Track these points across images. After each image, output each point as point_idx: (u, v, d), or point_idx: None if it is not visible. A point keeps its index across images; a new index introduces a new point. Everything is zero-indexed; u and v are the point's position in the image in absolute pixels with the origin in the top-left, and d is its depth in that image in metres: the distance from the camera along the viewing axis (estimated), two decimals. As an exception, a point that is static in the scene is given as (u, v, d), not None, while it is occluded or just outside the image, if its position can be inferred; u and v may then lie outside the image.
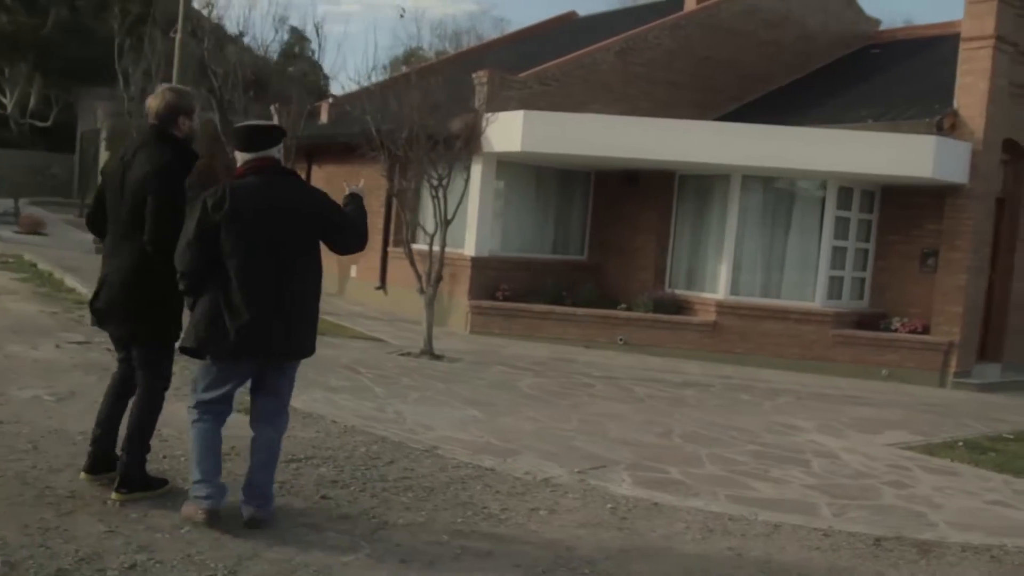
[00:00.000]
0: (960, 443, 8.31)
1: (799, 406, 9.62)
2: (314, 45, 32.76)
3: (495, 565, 4.28)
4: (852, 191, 12.77)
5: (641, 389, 9.73)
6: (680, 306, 12.99)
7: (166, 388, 4.77)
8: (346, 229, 4.64)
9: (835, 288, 12.84)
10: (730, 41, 15.91)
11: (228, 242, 4.28)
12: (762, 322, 12.57)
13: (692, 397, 9.58)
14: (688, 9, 16.33)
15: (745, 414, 8.86)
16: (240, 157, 4.55)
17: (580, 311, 12.85)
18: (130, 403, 4.70)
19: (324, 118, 16.05)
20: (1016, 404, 11.39)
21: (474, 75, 12.85)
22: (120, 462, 4.61)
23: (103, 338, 9.22)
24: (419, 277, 11.03)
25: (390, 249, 14.96)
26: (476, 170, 12.82)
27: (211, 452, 4.44)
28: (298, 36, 34.66)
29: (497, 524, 4.88)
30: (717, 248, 13.02)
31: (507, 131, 12.37)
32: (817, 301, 12.65)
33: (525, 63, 14.73)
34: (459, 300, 13.23)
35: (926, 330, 12.36)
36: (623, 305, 13.13)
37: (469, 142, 12.43)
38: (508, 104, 12.79)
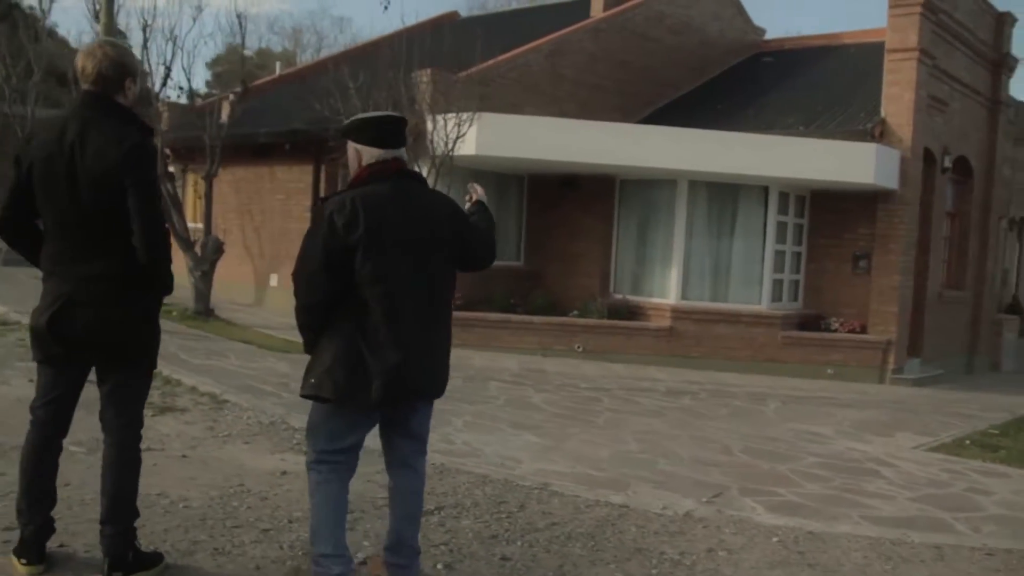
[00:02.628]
0: (967, 441, 8.60)
1: (795, 411, 9.69)
2: (136, 40, 30.09)
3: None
4: (789, 196, 13.09)
5: (645, 400, 9.52)
6: (633, 312, 12.88)
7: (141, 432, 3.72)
8: (479, 244, 3.89)
9: (777, 291, 13.12)
10: (643, 46, 16.01)
11: (367, 266, 3.43)
12: (715, 326, 12.66)
13: (696, 407, 9.44)
14: (596, 14, 16.26)
15: (761, 423, 8.81)
16: (361, 156, 3.61)
17: (537, 319, 12.50)
18: (103, 460, 3.64)
19: (224, 116, 14.84)
20: (956, 398, 12.04)
21: (416, 74, 12.19)
22: (107, 538, 3.57)
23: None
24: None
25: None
26: (422, 173, 12.19)
27: (341, 518, 3.61)
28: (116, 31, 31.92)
29: (686, 572, 4.46)
30: (665, 253, 13.00)
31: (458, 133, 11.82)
32: (763, 304, 12.88)
33: (420, 64, 14.14)
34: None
35: (864, 329, 12.84)
36: (575, 312, 12.87)
37: (415, 144, 11.80)
38: (451, 106, 12.24)
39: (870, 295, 12.87)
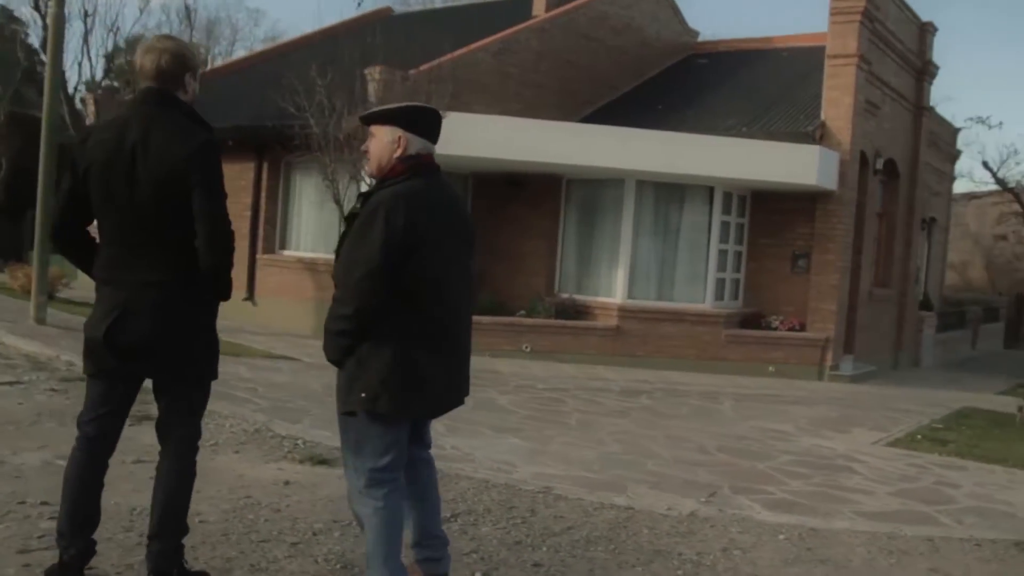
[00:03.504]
0: (918, 436, 8.95)
1: (751, 409, 9.91)
2: (76, 30, 28.77)
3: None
4: (732, 196, 13.37)
5: (606, 400, 9.62)
6: (579, 311, 12.98)
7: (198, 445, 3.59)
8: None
9: (720, 290, 13.40)
10: (586, 46, 16.13)
11: (422, 267, 3.26)
12: (660, 325, 12.85)
13: (656, 406, 9.58)
14: (539, 13, 16.32)
15: (724, 421, 9.00)
16: (405, 145, 3.37)
17: (485, 319, 12.43)
18: (161, 473, 3.49)
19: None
20: (892, 394, 12.52)
21: (367, 70, 12.02)
22: (154, 554, 3.41)
23: (38, 375, 7.75)
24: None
25: (260, 257, 13.66)
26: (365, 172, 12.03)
27: (400, 540, 3.41)
28: (8, 16, 29.98)
29: (710, 571, 4.51)
30: (612, 252, 13.13)
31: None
32: (707, 303, 13.14)
33: (362, 61, 13.98)
34: (356, 313, 12.34)
35: (803, 327, 13.22)
36: (522, 312, 12.89)
37: (363, 142, 11.62)
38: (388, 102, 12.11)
39: (809, 294, 13.26)
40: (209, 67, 16.34)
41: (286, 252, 13.75)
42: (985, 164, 19.62)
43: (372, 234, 3.22)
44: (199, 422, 3.55)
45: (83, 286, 14.97)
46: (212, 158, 3.33)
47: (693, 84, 17.09)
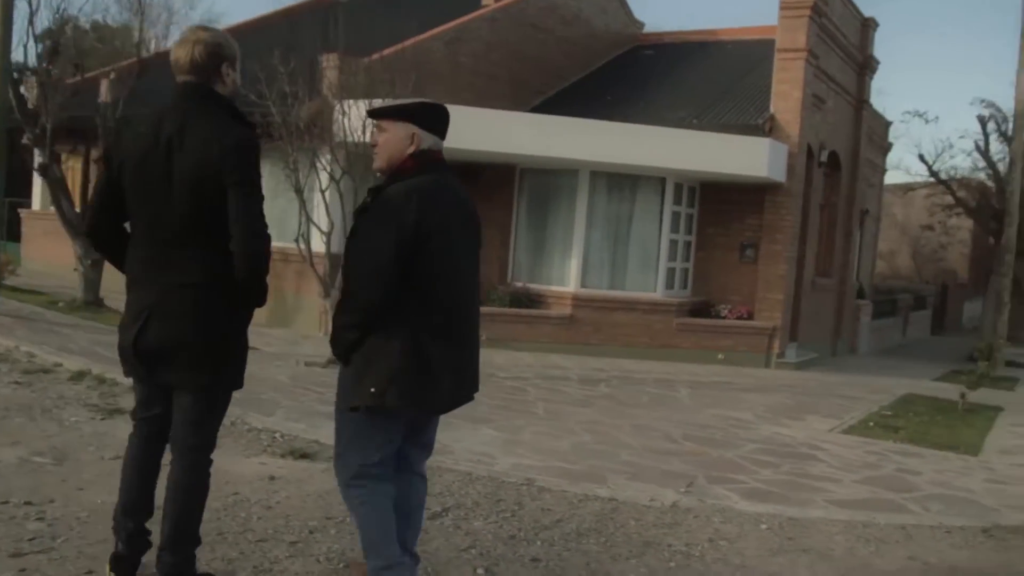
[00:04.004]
0: (871, 423, 9.21)
1: (707, 397, 10.08)
2: (21, 12, 27.53)
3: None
4: (683, 187, 13.54)
5: (567, 389, 9.69)
6: (533, 300, 13.02)
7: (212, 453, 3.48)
8: None
9: (670, 279, 13.57)
10: (535, 36, 16.13)
11: (432, 262, 3.26)
12: (613, 313, 12.97)
13: (616, 395, 9.67)
14: (490, 3, 16.24)
15: (684, 410, 9.13)
16: (418, 141, 3.36)
17: (441, 309, 12.40)
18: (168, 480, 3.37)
19: (103, 96, 13.85)
20: (837, 381, 12.87)
21: (322, 57, 11.82)
22: (165, 565, 3.32)
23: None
24: (320, 281, 9.99)
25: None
26: (324, 161, 11.83)
27: (393, 525, 3.42)
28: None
29: (700, 563, 4.59)
30: (566, 242, 13.19)
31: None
32: (658, 292, 13.30)
33: (309, 47, 13.75)
34: (309, 300, 12.20)
35: (750, 316, 13.49)
36: (477, 301, 12.88)
37: (322, 130, 11.44)
38: (356, 91, 11.94)
39: (757, 283, 13.52)
40: (152, 50, 15.76)
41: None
42: (921, 157, 20.28)
43: (383, 229, 3.21)
44: (214, 433, 3.43)
45: (27, 273, 14.47)
46: (249, 157, 3.17)
47: (640, 75, 17.23)
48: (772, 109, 13.41)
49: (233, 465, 5.33)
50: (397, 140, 3.37)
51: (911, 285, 27.16)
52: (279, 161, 10.29)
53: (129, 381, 6.98)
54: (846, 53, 15.52)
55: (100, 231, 3.39)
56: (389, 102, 3.61)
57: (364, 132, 10.81)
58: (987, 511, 6.05)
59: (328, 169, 10.33)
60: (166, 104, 3.29)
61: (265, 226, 3.23)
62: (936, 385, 13.30)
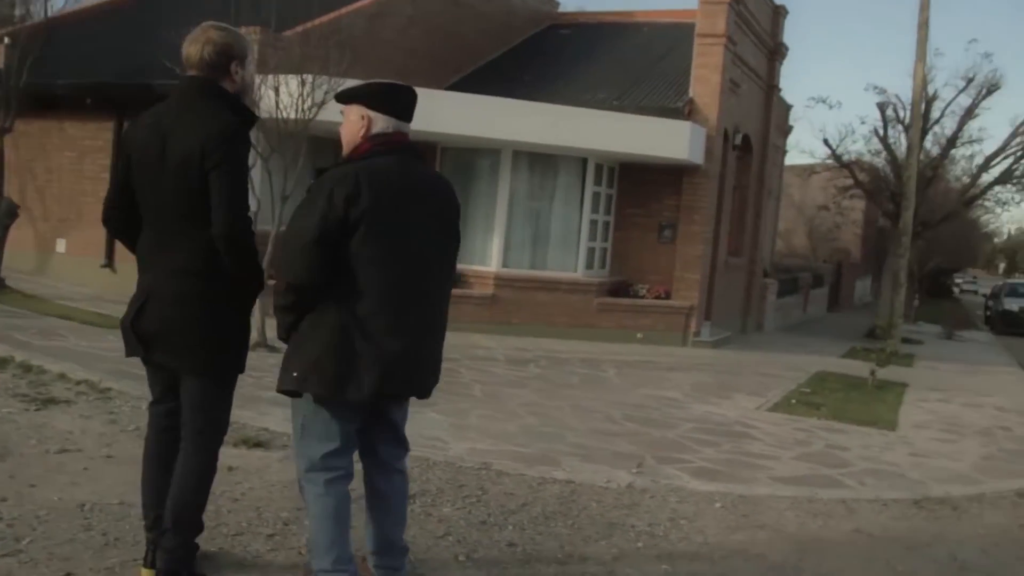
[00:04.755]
0: (793, 400, 9.56)
1: (634, 376, 10.28)
2: None
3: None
4: (603, 167, 13.69)
5: (497, 370, 9.73)
6: (455, 279, 12.96)
7: (222, 441, 3.51)
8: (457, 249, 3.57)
9: (590, 259, 13.73)
10: (454, 12, 15.98)
11: (366, 245, 3.15)
12: (535, 293, 13.06)
13: (548, 375, 9.77)
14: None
15: (616, 390, 9.30)
16: (370, 125, 3.31)
17: (365, 290, 12.25)
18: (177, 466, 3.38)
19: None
20: (753, 359, 13.29)
21: (244, 30, 11.42)
22: (165, 550, 3.30)
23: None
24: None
25: (120, 223, 12.83)
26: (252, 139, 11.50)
27: (346, 529, 3.31)
28: None
29: (666, 542, 4.70)
30: (487, 221, 13.17)
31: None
32: (579, 271, 13.45)
33: (225, 17, 13.33)
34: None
35: (668, 295, 13.78)
36: (401, 281, 12.77)
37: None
38: (276, 67, 11.62)
39: (675, 263, 13.80)
40: (56, 11, 14.93)
41: (148, 216, 12.94)
42: (825, 141, 21.01)
43: (311, 209, 3.14)
44: (220, 417, 3.43)
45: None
46: (231, 142, 3.21)
47: (558, 55, 17.28)
48: (691, 93, 13.67)
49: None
50: (350, 124, 3.36)
51: (808, 263, 28.17)
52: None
53: (56, 369, 6.81)
54: (759, 39, 15.92)
55: (113, 220, 3.46)
56: (344, 83, 3.56)
57: (296, 110, 10.57)
58: (915, 484, 6.38)
59: (257, 147, 10.02)
60: (172, 98, 3.37)
61: (246, 209, 3.25)
62: (843, 362, 13.87)
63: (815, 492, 5.87)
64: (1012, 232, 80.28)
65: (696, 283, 13.70)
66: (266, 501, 4.53)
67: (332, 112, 10.75)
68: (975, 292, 63.86)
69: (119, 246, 13.07)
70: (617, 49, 17.16)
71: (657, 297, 13.73)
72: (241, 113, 3.34)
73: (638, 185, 14.02)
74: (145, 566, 3.42)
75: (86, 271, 13.03)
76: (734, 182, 16.10)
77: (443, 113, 12.12)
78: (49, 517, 4.01)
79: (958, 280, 58.27)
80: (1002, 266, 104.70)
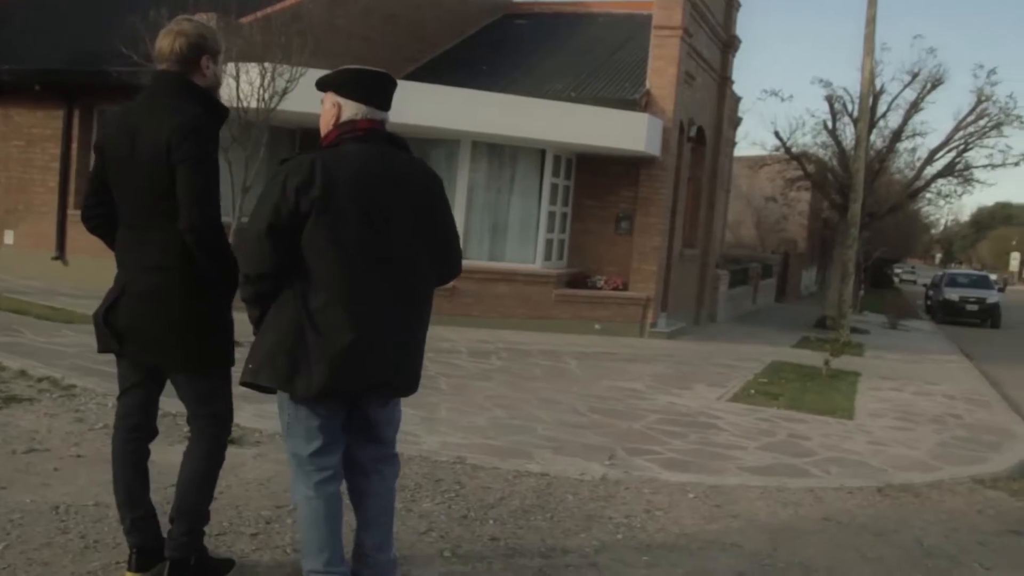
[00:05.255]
0: (752, 391, 9.71)
1: (595, 367, 10.35)
2: None
3: (725, 573, 4.27)
4: (560, 159, 13.73)
5: (462, 363, 9.72)
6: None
7: (230, 430, 3.55)
8: (455, 244, 3.47)
9: (549, 250, 13.77)
10: (411, 0, 15.86)
11: (318, 236, 3.06)
12: (494, 285, 13.05)
13: (511, 367, 9.79)
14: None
15: (579, 381, 9.34)
16: (341, 112, 3.25)
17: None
18: (183, 459, 3.41)
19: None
20: (709, 349, 13.45)
21: (197, 17, 11.20)
22: (173, 539, 3.32)
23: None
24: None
25: (71, 212, 12.52)
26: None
27: (338, 530, 3.25)
28: None
29: (644, 533, 4.76)
30: (447, 213, 13.10)
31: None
32: (537, 263, 13.48)
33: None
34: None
35: (625, 287, 13.88)
36: (360, 273, 12.68)
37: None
38: (237, 55, 11.43)
39: (632, 254, 13.90)
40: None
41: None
42: (777, 134, 21.27)
43: (267, 198, 3.09)
44: (222, 407, 3.43)
45: None
46: (193, 136, 3.17)
47: (514, 45, 17.26)
48: (648, 84, 13.75)
49: (159, 454, 5.00)
50: (324, 112, 3.30)
51: (756, 254, 28.59)
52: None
53: (16, 366, 6.64)
54: (713, 31, 16.07)
55: (92, 218, 3.43)
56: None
57: (256, 99, 10.40)
58: (877, 472, 6.53)
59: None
60: (143, 93, 3.36)
61: (213, 203, 3.22)
62: (796, 352, 14.12)
63: (783, 481, 5.98)
64: (948, 223, 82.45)
65: (653, 274, 13.82)
66: (244, 499, 4.48)
67: (294, 102, 10.74)
68: (914, 282, 65.50)
69: (72, 238, 12.90)
70: (573, 39, 17.19)
71: (615, 288, 13.82)
72: (210, 107, 3.31)
73: (595, 177, 14.08)
74: (129, 569, 3.38)
75: (36, 264, 12.71)
76: (688, 174, 16.26)
77: (402, 103, 11.98)
78: (23, 520, 3.92)
79: (897, 270, 59.62)
80: (938, 256, 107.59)
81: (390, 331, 3.20)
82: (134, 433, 3.40)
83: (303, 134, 13.61)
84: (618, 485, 5.54)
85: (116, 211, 3.36)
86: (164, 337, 3.23)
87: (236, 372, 3.37)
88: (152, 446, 3.52)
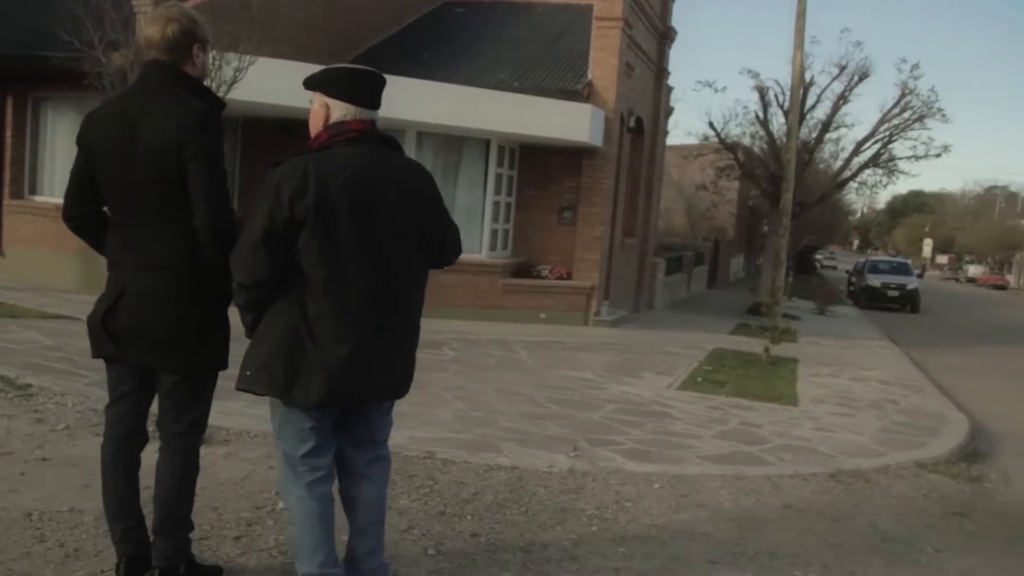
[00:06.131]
0: (698, 379, 9.92)
1: (546, 357, 10.43)
2: None
3: (697, 564, 4.39)
4: (504, 149, 13.77)
5: (417, 354, 9.67)
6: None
7: (202, 439, 3.43)
8: (452, 234, 3.50)
9: (494, 240, 13.81)
10: (351, -16, 15.67)
11: (314, 244, 3.03)
12: (441, 275, 12.85)
13: (464, 358, 9.81)
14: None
15: (532, 371, 9.42)
16: (329, 112, 3.22)
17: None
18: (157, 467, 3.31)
19: None
20: (651, 337, 13.68)
21: (135, 2, 10.94)
22: (159, 551, 3.27)
23: None
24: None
25: (7, 203, 12.09)
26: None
27: (331, 531, 3.25)
28: None
29: (616, 525, 4.85)
30: (391, 203, 13.04)
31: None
32: (483, 253, 13.51)
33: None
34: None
35: (569, 276, 14.01)
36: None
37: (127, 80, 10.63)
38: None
39: (575, 244, 14.03)
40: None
41: (38, 198, 12.31)
42: (711, 124, 21.67)
43: (261, 204, 3.04)
44: (200, 417, 3.35)
45: None
46: (207, 130, 3.11)
47: (453, 33, 17.18)
48: (590, 75, 13.86)
49: (127, 454, 4.99)
50: (313, 113, 3.26)
51: (689, 242, 29.09)
52: (74, 110, 9.43)
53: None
54: (650, 23, 16.25)
55: (75, 217, 3.30)
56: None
57: (228, 88, 10.18)
58: (827, 458, 6.76)
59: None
60: (133, 85, 3.25)
61: (226, 199, 3.17)
62: (734, 339, 14.45)
63: (741, 470, 6.15)
64: (865, 211, 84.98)
65: (596, 264, 13.97)
66: (221, 501, 4.44)
67: (239, 91, 10.52)
68: (834, 267, 67.49)
69: (9, 230, 12.44)
70: (512, 29, 17.19)
71: (559, 278, 13.94)
72: (209, 99, 3.25)
73: (538, 167, 14.15)
74: None
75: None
76: (627, 164, 16.45)
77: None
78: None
79: (818, 256, 61.30)
80: (856, 242, 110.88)
81: (386, 338, 3.22)
82: (126, 442, 3.32)
83: (245, 123, 13.40)
84: (586, 477, 5.63)
85: (99, 210, 3.28)
86: (166, 338, 3.15)
87: (223, 375, 3.37)
88: None
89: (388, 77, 12.51)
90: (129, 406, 3.31)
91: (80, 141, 3.24)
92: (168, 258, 3.13)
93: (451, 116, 12.44)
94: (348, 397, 3.18)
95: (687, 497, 5.45)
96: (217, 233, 3.09)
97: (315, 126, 3.24)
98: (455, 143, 13.34)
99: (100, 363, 3.34)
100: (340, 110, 3.22)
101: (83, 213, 3.29)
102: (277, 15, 13.62)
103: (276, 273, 3.05)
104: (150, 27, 3.18)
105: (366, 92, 3.30)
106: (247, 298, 3.12)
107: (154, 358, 3.20)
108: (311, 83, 3.28)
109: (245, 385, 3.15)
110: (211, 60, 9.38)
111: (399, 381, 3.35)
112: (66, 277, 11.30)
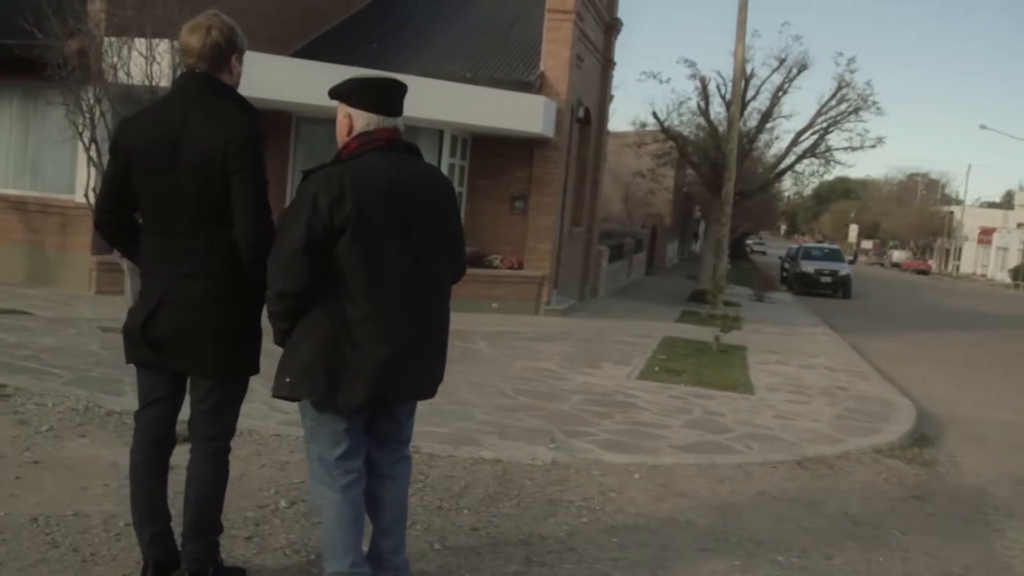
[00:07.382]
0: (656, 368, 10.16)
1: (506, 348, 10.56)
2: None
3: (688, 552, 4.57)
4: (457, 139, 13.81)
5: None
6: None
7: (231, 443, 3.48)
8: (462, 242, 3.60)
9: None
10: (299, -29, 15.48)
11: (352, 251, 3.10)
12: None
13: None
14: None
15: (495, 362, 9.55)
16: (353, 123, 3.28)
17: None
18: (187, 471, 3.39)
19: None
20: (602, 326, 13.92)
21: (89, -12, 10.65)
22: (189, 553, 3.34)
23: None
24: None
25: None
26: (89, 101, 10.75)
27: (361, 532, 3.34)
28: None
29: (605, 515, 5.01)
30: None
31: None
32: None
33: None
34: (74, 255, 11.11)
35: (520, 266, 14.15)
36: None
37: (79, 69, 10.38)
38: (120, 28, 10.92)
39: (527, 234, 14.17)
40: None
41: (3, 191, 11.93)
42: (655, 115, 21.99)
43: (298, 214, 3.10)
44: (232, 422, 3.41)
45: None
46: (252, 145, 3.16)
47: (402, 22, 17.08)
48: (542, 67, 13.97)
49: (117, 455, 4.96)
50: (338, 123, 3.34)
51: (627, 229, 29.47)
52: (21, 98, 9.21)
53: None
54: (598, 14, 16.43)
55: (108, 224, 3.35)
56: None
57: (145, 76, 10.00)
58: (791, 445, 7.02)
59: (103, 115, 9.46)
60: (171, 94, 3.27)
61: (267, 212, 3.23)
62: (681, 327, 14.77)
63: (713, 459, 6.37)
64: (792, 197, 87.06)
65: (547, 253, 14.14)
66: (225, 500, 4.45)
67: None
68: (763, 253, 69.00)
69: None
70: (461, 18, 17.17)
71: (511, 267, 14.07)
72: (249, 110, 3.28)
73: (490, 157, 14.24)
74: None
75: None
76: (575, 153, 16.63)
77: (298, 82, 11.84)
78: (5, 536, 3.79)
79: (748, 241, 62.63)
80: (783, 228, 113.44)
81: (423, 339, 3.33)
82: (156, 448, 3.36)
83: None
84: (568, 468, 5.77)
85: (131, 217, 3.31)
86: (207, 344, 3.20)
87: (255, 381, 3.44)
88: None
89: (339, 67, 12.47)
90: (161, 411, 3.35)
91: (117, 147, 3.25)
92: (207, 266, 3.17)
93: (406, 107, 12.37)
94: (386, 400, 3.29)
95: (667, 487, 5.63)
96: (262, 246, 3.15)
97: (341, 136, 3.32)
98: (407, 134, 13.12)
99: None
100: (363, 119, 3.28)
101: (115, 220, 3.33)
102: (225, 4, 13.38)
103: (316, 280, 3.11)
104: (191, 35, 3.20)
105: (388, 101, 3.36)
106: (286, 307, 3.15)
107: (194, 364, 3.25)
108: (334, 94, 3.34)
109: (286, 392, 3.20)
110: (148, 46, 9.27)
111: (432, 382, 3.47)
112: (13, 270, 11.02)
